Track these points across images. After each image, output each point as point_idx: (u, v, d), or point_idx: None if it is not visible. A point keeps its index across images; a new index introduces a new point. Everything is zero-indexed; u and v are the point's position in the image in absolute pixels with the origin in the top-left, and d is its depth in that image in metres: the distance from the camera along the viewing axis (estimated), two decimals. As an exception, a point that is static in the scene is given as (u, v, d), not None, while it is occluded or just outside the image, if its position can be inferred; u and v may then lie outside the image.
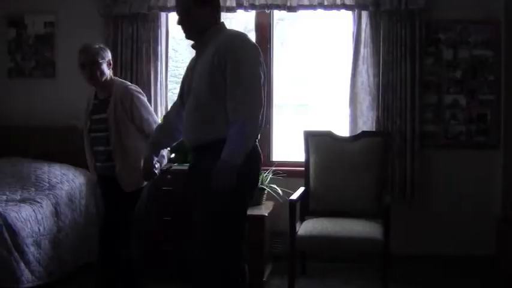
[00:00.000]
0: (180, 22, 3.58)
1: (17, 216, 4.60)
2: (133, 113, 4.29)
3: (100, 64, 4.27)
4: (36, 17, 6.11)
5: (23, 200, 4.95)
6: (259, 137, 3.52)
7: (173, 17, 6.03)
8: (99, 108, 4.35)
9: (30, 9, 6.09)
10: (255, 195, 3.65)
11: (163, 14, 5.76)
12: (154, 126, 4.24)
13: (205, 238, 3.46)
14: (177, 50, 6.43)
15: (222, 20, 3.62)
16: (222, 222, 3.39)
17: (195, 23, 3.53)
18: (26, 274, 4.52)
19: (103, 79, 4.30)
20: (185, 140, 3.63)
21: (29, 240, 4.61)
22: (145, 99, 4.41)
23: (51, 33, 6.07)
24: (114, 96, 4.30)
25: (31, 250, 4.60)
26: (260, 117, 3.33)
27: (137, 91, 4.38)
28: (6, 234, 4.43)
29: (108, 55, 4.37)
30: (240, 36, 3.47)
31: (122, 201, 4.33)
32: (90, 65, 4.25)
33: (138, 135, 4.31)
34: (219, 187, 3.21)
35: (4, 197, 5.00)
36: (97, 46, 4.34)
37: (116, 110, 4.27)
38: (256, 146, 3.50)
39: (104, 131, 4.30)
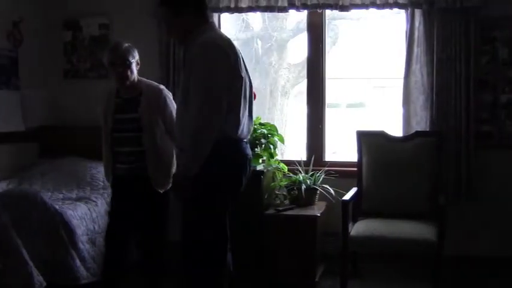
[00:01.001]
0: (168, 34, 3.70)
1: (73, 215, 4.70)
2: (165, 113, 4.29)
3: (131, 63, 4.22)
4: (91, 19, 6.22)
5: (79, 199, 5.05)
6: (248, 137, 3.69)
7: (225, 17, 6.06)
8: (126, 107, 4.28)
9: (86, 12, 6.21)
10: (236, 196, 3.74)
11: (215, 15, 5.77)
12: None
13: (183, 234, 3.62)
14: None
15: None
16: (195, 223, 3.54)
17: (179, 31, 3.65)
18: (82, 271, 4.60)
19: (132, 79, 4.26)
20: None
21: (84, 238, 4.69)
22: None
23: (106, 35, 6.17)
24: (147, 96, 4.26)
25: (86, 248, 4.68)
26: (213, 119, 3.37)
27: (169, 92, 4.41)
28: (63, 232, 4.52)
29: (137, 55, 4.31)
30: (207, 42, 3.51)
31: (153, 201, 4.30)
32: (122, 64, 4.20)
33: (167, 136, 4.31)
34: (177, 197, 3.48)
35: (61, 196, 5.11)
36: (127, 45, 4.28)
37: (149, 110, 4.24)
38: (235, 145, 3.58)
39: (134, 131, 4.24)
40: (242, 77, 3.56)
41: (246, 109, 3.61)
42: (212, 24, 3.71)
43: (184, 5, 3.59)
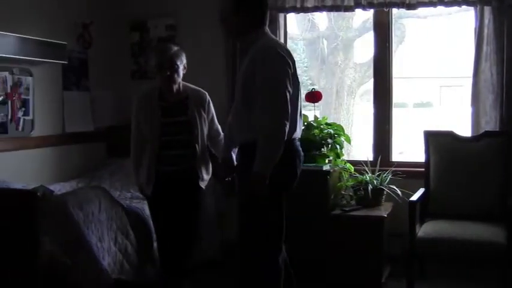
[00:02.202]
0: (225, 26, 3.97)
1: (141, 214, 4.76)
2: (209, 116, 4.45)
3: (178, 67, 4.28)
4: (158, 20, 6.30)
5: (147, 198, 5.11)
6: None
7: (291, 17, 6.07)
8: (173, 111, 4.35)
9: (153, 13, 6.30)
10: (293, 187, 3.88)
11: (281, 15, 5.78)
12: (220, 132, 4.51)
13: (242, 228, 3.80)
14: (294, 51, 6.47)
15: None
16: (255, 214, 3.68)
17: (236, 27, 3.81)
18: (149, 268, 4.67)
19: (178, 82, 4.33)
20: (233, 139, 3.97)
21: (153, 237, 4.75)
22: None
23: (173, 36, 6.23)
24: (194, 100, 4.38)
25: (154, 246, 4.73)
26: (286, 124, 3.54)
27: None
28: (132, 230, 4.59)
29: (185, 59, 4.37)
30: (270, 49, 3.66)
31: (195, 199, 4.46)
32: (170, 68, 4.25)
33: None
34: (253, 195, 3.54)
35: (129, 195, 5.19)
36: (176, 48, 4.34)
37: (198, 113, 4.35)
38: (292, 145, 3.75)
39: (183, 134, 4.34)
40: (299, 83, 3.79)
41: (299, 110, 3.81)
42: (267, 29, 3.86)
43: (243, 3, 3.75)
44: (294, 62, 3.74)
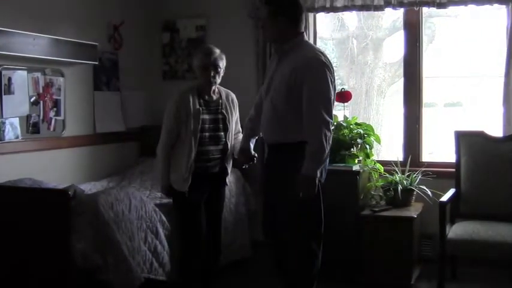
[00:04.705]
0: (261, 26, 4.18)
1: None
2: (235, 115, 4.64)
3: (220, 69, 4.45)
4: (188, 21, 6.34)
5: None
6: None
7: (321, 17, 6.05)
8: (211, 108, 4.50)
9: (183, 14, 6.34)
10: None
11: (311, 15, 5.78)
12: (240, 131, 4.66)
13: (285, 224, 4.00)
14: (324, 50, 6.45)
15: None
16: (298, 211, 3.91)
17: (272, 31, 4.00)
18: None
19: (217, 83, 4.50)
20: (263, 136, 4.22)
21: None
22: None
23: (203, 37, 6.27)
24: (226, 99, 4.57)
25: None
26: (331, 130, 3.84)
27: None
28: (161, 230, 4.62)
29: (225, 62, 4.52)
30: (316, 58, 3.88)
31: (221, 195, 4.68)
32: (214, 69, 4.41)
33: None
34: (304, 196, 3.78)
35: (159, 194, 5.19)
36: (219, 51, 4.49)
37: (230, 112, 4.55)
38: None
39: (217, 131, 4.49)
40: (335, 87, 3.99)
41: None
42: (304, 36, 4.05)
43: (283, 8, 3.93)
44: (333, 68, 3.95)
